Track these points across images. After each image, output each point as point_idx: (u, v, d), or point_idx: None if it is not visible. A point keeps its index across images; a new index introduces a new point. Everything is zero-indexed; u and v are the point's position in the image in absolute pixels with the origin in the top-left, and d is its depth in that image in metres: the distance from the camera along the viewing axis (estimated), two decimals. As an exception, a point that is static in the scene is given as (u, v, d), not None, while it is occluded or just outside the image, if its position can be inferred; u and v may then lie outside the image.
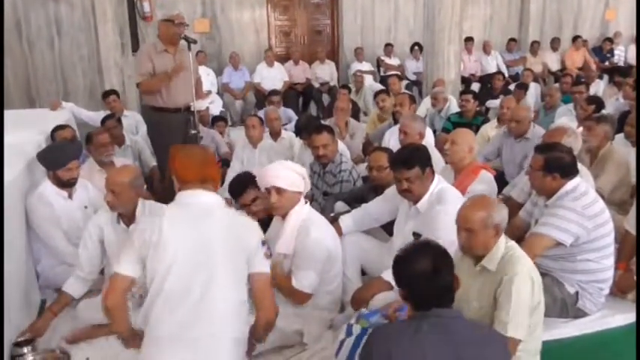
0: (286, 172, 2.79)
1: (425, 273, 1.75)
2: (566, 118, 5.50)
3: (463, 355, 1.69)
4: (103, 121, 5.07)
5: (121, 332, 2.15)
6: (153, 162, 5.23)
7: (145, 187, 4.01)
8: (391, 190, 3.09)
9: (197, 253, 1.98)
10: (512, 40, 10.18)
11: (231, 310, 2.02)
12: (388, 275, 2.73)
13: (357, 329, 2.31)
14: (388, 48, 9.55)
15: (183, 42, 4.43)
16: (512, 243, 2.34)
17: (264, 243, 2.10)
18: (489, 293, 2.26)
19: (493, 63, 9.71)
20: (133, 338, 2.16)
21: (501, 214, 2.30)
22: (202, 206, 2.05)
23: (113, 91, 6.21)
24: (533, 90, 8.13)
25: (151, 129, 4.77)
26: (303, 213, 2.82)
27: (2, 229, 1.90)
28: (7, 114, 5.67)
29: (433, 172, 2.90)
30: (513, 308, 2.17)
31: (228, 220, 2.06)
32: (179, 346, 1.95)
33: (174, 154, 2.17)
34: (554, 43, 10.26)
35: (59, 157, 3.39)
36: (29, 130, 4.20)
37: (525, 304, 2.20)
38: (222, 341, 1.99)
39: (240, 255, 2.03)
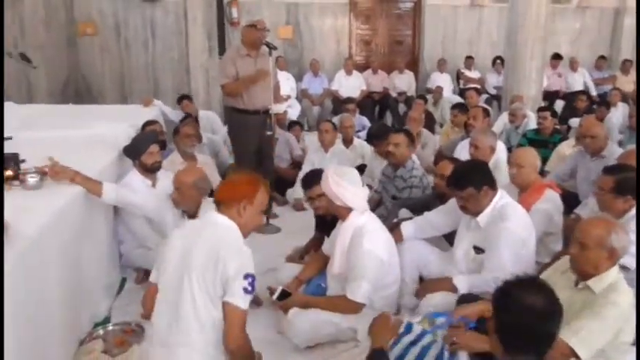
0: (335, 186, 2.80)
1: (541, 311, 1.59)
2: (651, 140, 5.27)
3: None
4: (182, 120, 5.43)
5: None
6: (230, 160, 5.54)
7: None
8: (453, 202, 3.11)
9: (179, 266, 2.08)
10: (601, 57, 9.78)
11: (202, 326, 2.04)
12: (458, 281, 2.82)
13: (417, 329, 2.33)
14: (469, 60, 9.46)
15: (264, 47, 4.63)
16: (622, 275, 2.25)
17: (248, 277, 2.02)
18: (581, 313, 2.14)
19: (580, 80, 9.33)
20: None
21: (621, 239, 2.17)
22: (202, 224, 2.21)
23: (186, 96, 6.66)
24: (621, 110, 7.75)
25: (231, 129, 4.99)
26: (356, 224, 2.83)
27: (2, 227, 2.10)
28: (103, 108, 6.29)
29: (494, 189, 2.89)
30: (592, 326, 2.06)
31: (213, 240, 2.07)
32: (161, 350, 2.09)
33: None
34: (649, 62, 9.75)
35: (140, 144, 3.72)
36: (122, 124, 4.56)
37: (606, 333, 2.09)
38: (193, 354, 2.04)
39: (213, 276, 2.01)
